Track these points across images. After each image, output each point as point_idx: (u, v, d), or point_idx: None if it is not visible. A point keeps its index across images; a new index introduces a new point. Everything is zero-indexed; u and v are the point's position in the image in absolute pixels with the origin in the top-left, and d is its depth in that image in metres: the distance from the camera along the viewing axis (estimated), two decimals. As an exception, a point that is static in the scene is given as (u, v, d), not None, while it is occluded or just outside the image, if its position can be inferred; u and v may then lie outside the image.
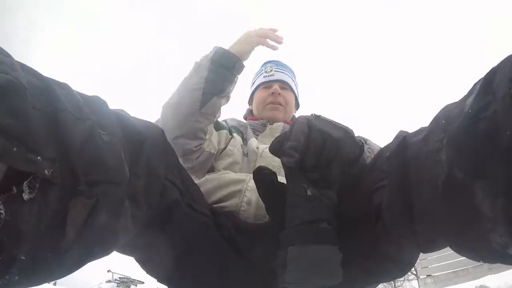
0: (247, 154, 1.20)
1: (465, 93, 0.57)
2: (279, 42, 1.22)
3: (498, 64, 0.51)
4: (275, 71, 1.45)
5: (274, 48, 1.22)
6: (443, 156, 0.56)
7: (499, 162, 0.46)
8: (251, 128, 1.35)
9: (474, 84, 0.55)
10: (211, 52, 1.12)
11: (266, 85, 1.45)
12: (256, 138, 1.28)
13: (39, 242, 0.43)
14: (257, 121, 1.41)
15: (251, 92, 1.52)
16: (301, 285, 0.70)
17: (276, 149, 0.82)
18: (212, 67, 1.08)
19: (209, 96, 1.07)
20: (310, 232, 0.72)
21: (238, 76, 1.15)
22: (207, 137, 1.11)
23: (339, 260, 0.71)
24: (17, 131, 0.40)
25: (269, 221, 0.88)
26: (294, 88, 1.49)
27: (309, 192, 0.74)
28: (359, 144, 0.82)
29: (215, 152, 1.16)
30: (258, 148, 1.18)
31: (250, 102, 1.54)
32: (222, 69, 1.09)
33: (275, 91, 1.40)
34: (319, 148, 0.76)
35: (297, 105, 1.56)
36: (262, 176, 0.85)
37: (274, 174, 0.85)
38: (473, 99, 0.52)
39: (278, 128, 1.34)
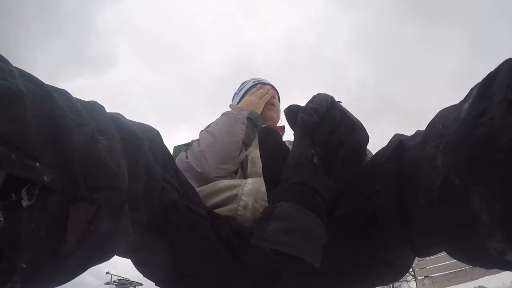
0: (241, 162, 1.23)
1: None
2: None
3: (495, 69, 0.51)
4: (264, 81, 1.57)
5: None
6: (439, 162, 0.56)
7: (496, 168, 0.46)
8: None
9: (471, 89, 0.56)
10: (244, 110, 1.28)
11: (260, 86, 1.50)
12: None
13: (39, 249, 0.43)
14: None
15: (240, 97, 1.53)
16: (277, 246, 0.64)
17: (293, 109, 0.82)
18: (248, 123, 1.24)
19: (243, 146, 1.21)
20: (306, 195, 0.69)
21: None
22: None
23: (323, 242, 0.68)
24: (16, 137, 0.39)
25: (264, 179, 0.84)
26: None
27: (315, 160, 0.73)
28: (368, 137, 0.82)
29: None
30: (247, 155, 1.21)
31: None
32: (254, 127, 1.26)
33: (273, 94, 1.47)
34: (336, 124, 0.76)
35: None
36: (269, 131, 0.86)
37: (280, 135, 0.85)
38: (470, 104, 0.52)
39: None
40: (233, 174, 1.18)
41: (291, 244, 0.64)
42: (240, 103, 1.41)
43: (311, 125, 0.75)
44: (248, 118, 1.24)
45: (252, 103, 1.36)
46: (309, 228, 0.67)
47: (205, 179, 1.11)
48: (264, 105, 1.43)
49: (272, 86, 1.56)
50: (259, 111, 1.34)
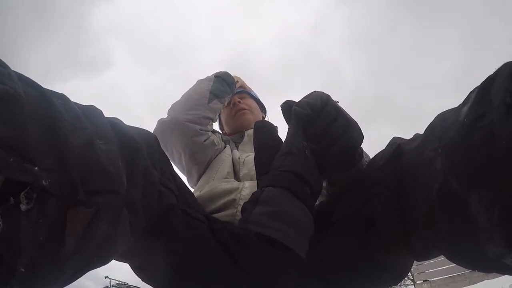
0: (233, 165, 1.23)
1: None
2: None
3: (494, 73, 0.51)
4: None
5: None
6: (438, 165, 0.56)
7: (495, 172, 0.46)
8: (232, 142, 1.39)
9: (470, 93, 0.56)
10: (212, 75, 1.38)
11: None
12: (237, 150, 1.32)
13: (38, 253, 0.43)
14: (234, 134, 1.46)
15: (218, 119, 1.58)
16: (261, 229, 0.65)
17: (289, 104, 0.82)
18: (216, 79, 1.35)
19: (213, 97, 1.28)
20: (294, 183, 0.70)
21: (231, 95, 1.41)
22: (209, 128, 1.28)
23: (310, 232, 0.69)
24: (14, 141, 0.39)
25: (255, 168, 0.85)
26: (251, 93, 1.58)
27: (307, 152, 0.74)
28: (363, 136, 0.83)
29: (217, 144, 1.26)
30: (239, 158, 1.21)
31: (221, 126, 1.61)
32: (224, 82, 1.36)
33: (234, 100, 1.49)
34: (330, 120, 0.77)
35: (263, 110, 1.61)
36: (264, 123, 0.87)
37: (274, 127, 0.89)
38: (469, 108, 0.52)
39: None
40: (226, 175, 1.17)
41: (275, 228, 0.65)
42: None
43: (304, 117, 0.76)
44: (216, 76, 1.35)
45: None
46: (294, 215, 0.68)
47: (178, 128, 1.20)
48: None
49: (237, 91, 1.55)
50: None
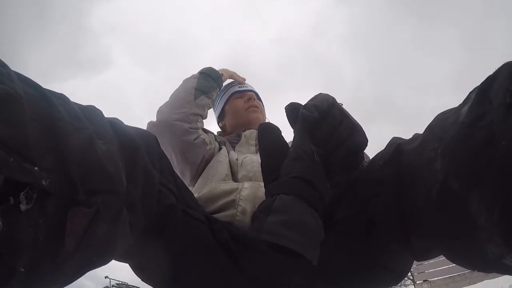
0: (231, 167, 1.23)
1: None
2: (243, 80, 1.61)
3: (494, 73, 0.51)
4: (245, 84, 1.61)
5: (241, 81, 1.60)
6: (438, 166, 0.56)
7: (495, 172, 0.46)
8: (228, 142, 1.39)
9: (470, 93, 0.56)
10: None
11: (240, 94, 1.54)
12: (234, 151, 1.33)
13: (38, 253, 0.43)
14: (230, 134, 1.46)
15: (222, 106, 1.58)
16: (276, 239, 0.65)
17: (294, 106, 0.82)
18: (201, 76, 1.38)
19: (199, 93, 1.32)
20: (306, 189, 0.70)
21: (218, 89, 1.43)
22: (199, 125, 1.29)
23: (320, 238, 0.69)
24: (14, 141, 0.39)
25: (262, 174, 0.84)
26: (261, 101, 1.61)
27: (316, 156, 0.74)
28: (367, 139, 0.82)
29: (208, 144, 1.27)
30: (237, 159, 1.21)
31: (221, 117, 1.60)
32: (209, 77, 1.39)
33: (251, 96, 1.52)
34: (336, 124, 0.77)
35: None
36: (269, 125, 0.88)
37: (279, 130, 0.88)
38: (469, 108, 0.52)
39: (252, 134, 1.38)
40: (224, 177, 1.16)
41: (289, 238, 0.65)
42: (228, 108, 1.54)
43: (312, 121, 0.75)
44: (201, 73, 1.38)
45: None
46: (307, 223, 0.68)
47: (168, 128, 1.22)
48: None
49: (252, 90, 1.58)
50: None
